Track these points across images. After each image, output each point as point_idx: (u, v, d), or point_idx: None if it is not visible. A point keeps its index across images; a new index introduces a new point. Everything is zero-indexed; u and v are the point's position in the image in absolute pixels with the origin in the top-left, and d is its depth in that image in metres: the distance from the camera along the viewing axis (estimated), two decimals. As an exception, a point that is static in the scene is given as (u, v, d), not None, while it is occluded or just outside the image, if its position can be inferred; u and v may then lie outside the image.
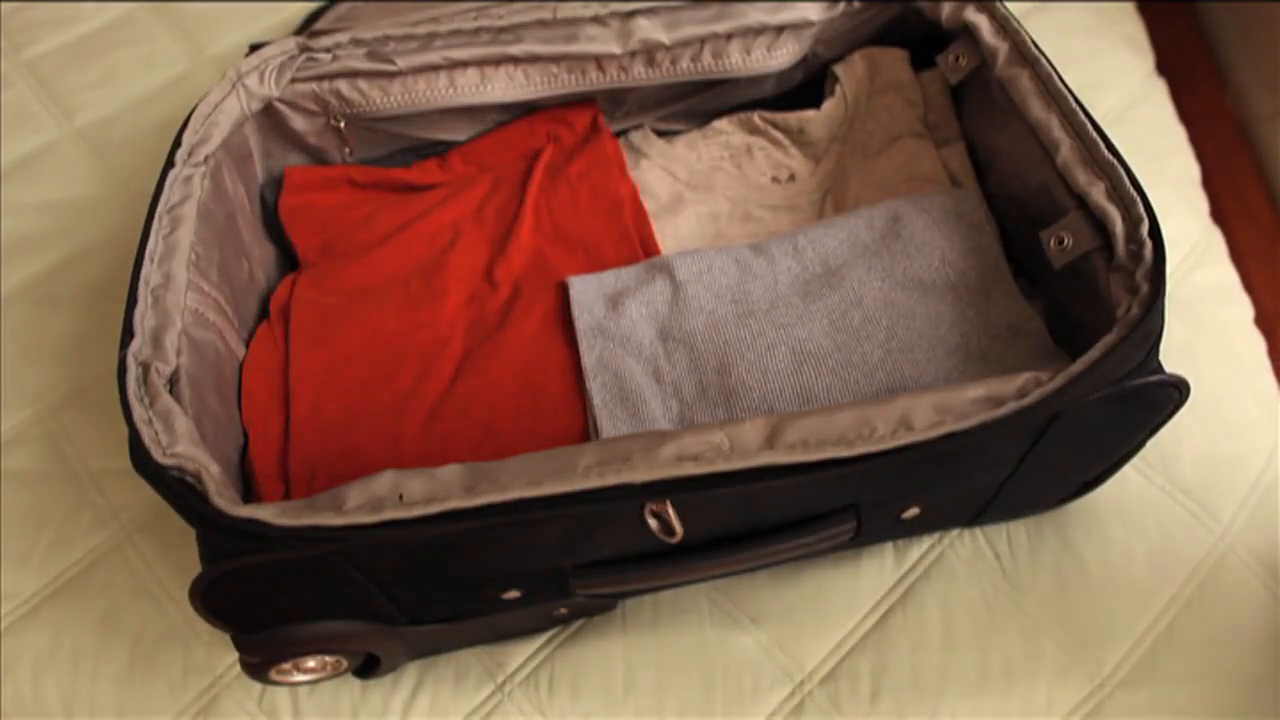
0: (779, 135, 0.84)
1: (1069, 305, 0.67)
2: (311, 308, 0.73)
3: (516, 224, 0.77)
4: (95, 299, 0.88)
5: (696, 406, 0.68)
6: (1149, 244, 0.60)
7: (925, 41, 0.82)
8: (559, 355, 0.71)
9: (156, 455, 0.54)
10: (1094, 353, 0.56)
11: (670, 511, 0.55)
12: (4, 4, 1.08)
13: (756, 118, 0.85)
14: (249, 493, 0.66)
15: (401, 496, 0.53)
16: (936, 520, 0.71)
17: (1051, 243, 0.67)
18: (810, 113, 0.84)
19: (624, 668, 0.71)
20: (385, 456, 0.66)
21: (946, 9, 0.77)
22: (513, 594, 0.62)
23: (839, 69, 0.84)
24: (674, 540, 0.57)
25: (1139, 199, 0.62)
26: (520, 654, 0.72)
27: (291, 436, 0.67)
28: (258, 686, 0.71)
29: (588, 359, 0.69)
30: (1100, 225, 0.63)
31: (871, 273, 0.71)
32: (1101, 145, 0.65)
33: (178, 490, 0.54)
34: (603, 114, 0.83)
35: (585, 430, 0.68)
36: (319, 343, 0.71)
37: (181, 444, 0.55)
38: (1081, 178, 0.65)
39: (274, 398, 0.69)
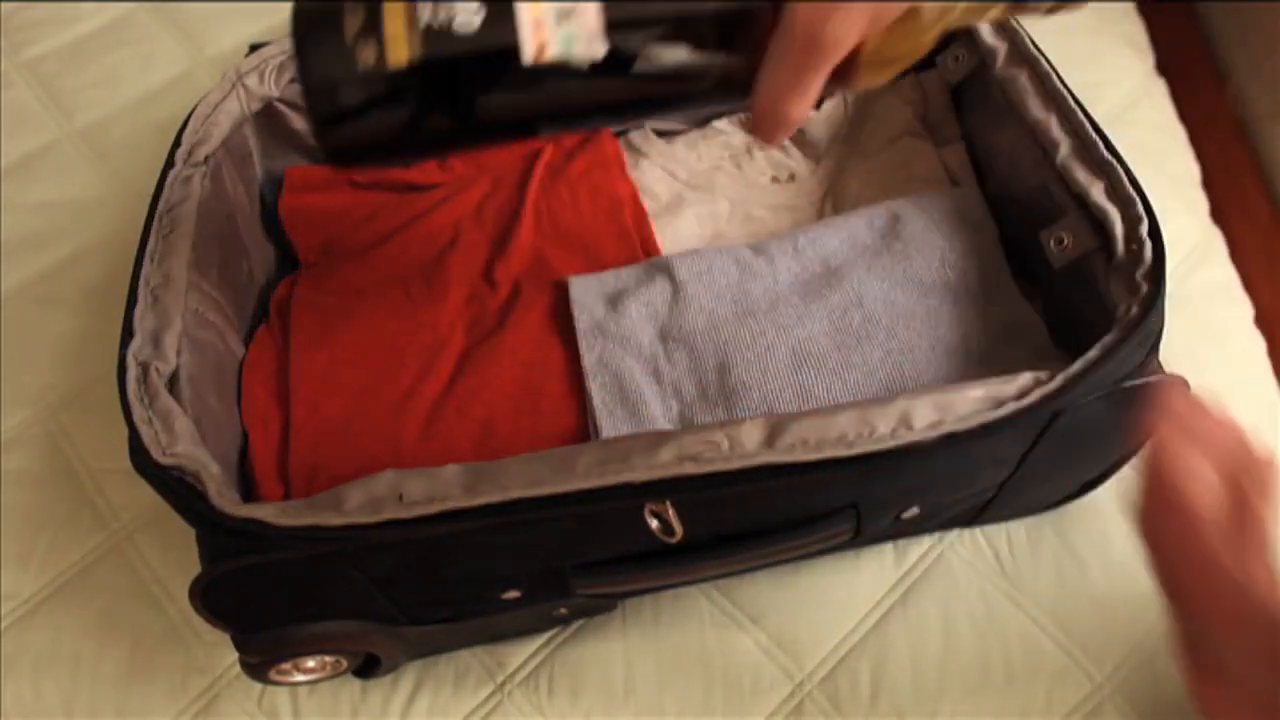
0: (778, 133, 0.84)
1: (1069, 305, 0.67)
2: (311, 308, 0.73)
3: (516, 224, 0.77)
4: (95, 299, 0.88)
5: (696, 406, 0.68)
6: (1149, 243, 0.60)
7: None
8: (559, 355, 0.71)
9: (156, 455, 0.54)
10: (1094, 353, 0.56)
11: (670, 511, 0.55)
12: (4, 4, 1.08)
13: (756, 117, 0.84)
14: (249, 493, 0.66)
15: (401, 496, 0.53)
16: (937, 520, 0.71)
17: (1051, 243, 0.67)
18: (810, 113, 0.84)
19: (624, 668, 0.71)
20: (385, 456, 0.66)
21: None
22: (513, 594, 0.62)
23: None
24: (674, 540, 0.57)
25: (1138, 198, 0.62)
26: (520, 654, 0.72)
27: (291, 437, 0.67)
28: (257, 687, 0.71)
29: (587, 359, 0.69)
30: (1100, 225, 0.63)
31: (871, 273, 0.71)
32: (1100, 145, 0.65)
33: (178, 490, 0.54)
34: None
35: (585, 430, 0.68)
36: (319, 343, 0.71)
37: (181, 444, 0.55)
38: (1081, 177, 0.65)
39: (274, 398, 0.69)
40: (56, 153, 0.98)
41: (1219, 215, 0.93)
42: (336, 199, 0.79)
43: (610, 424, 0.67)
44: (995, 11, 0.48)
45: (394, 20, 0.42)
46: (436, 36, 0.42)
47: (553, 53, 0.42)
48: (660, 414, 0.67)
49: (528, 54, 0.42)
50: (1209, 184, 0.95)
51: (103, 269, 0.90)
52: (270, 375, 0.70)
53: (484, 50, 0.42)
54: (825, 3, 0.43)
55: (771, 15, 0.44)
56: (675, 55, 0.45)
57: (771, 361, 0.68)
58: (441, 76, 0.43)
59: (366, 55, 0.42)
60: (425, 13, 0.42)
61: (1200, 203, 0.93)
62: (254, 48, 0.76)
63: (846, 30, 0.43)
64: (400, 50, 0.42)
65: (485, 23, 0.42)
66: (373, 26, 0.42)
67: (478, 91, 0.44)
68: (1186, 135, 0.98)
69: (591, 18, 0.42)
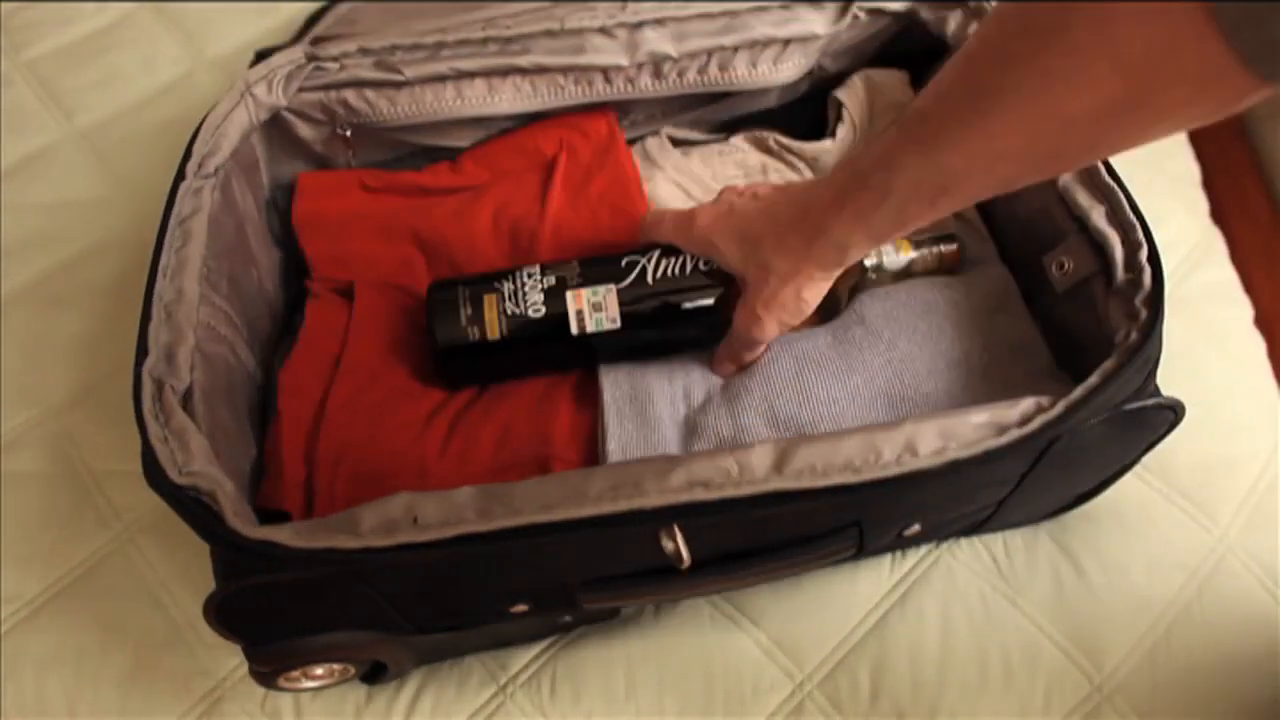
0: (793, 159, 0.84)
1: (1071, 326, 0.68)
2: (376, 301, 0.75)
3: (535, 242, 0.77)
4: (96, 300, 0.88)
5: (701, 407, 0.69)
6: (1148, 269, 0.60)
7: (929, 56, 0.81)
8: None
9: (172, 475, 0.54)
10: (1094, 379, 0.57)
11: (678, 535, 0.55)
12: (4, 4, 1.08)
13: (772, 140, 0.84)
14: (265, 481, 0.67)
15: (416, 519, 0.53)
16: (937, 534, 0.72)
17: (1054, 268, 0.67)
18: (827, 143, 0.83)
19: (625, 669, 0.72)
20: (409, 450, 0.68)
21: (951, 23, 0.77)
22: (520, 608, 0.63)
23: (841, 94, 0.84)
24: (683, 566, 0.57)
25: (1138, 224, 0.62)
26: (522, 656, 0.73)
27: (325, 418, 0.68)
28: (261, 689, 0.71)
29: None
30: (1100, 249, 0.64)
31: (874, 295, 0.72)
32: (1102, 169, 0.66)
33: (194, 510, 0.54)
34: (618, 121, 0.83)
35: (593, 428, 0.70)
36: (375, 339, 0.73)
37: (197, 462, 0.55)
38: (1082, 200, 0.65)
39: (317, 376, 0.71)
40: (57, 153, 0.98)
41: (1219, 215, 0.93)
42: (350, 204, 0.79)
43: (617, 421, 0.68)
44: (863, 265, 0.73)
45: (490, 310, 0.69)
46: (518, 319, 0.68)
47: (590, 327, 0.69)
48: (666, 415, 0.68)
49: (574, 330, 0.69)
50: (1209, 184, 0.95)
51: (104, 270, 0.90)
52: (321, 353, 0.72)
53: (547, 327, 0.69)
54: (750, 318, 0.66)
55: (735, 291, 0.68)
56: (669, 321, 0.70)
57: (775, 367, 0.69)
58: (523, 340, 0.69)
59: (474, 332, 0.68)
60: (510, 305, 0.68)
61: (1200, 203, 0.94)
62: (260, 54, 0.75)
63: (766, 334, 0.67)
64: (495, 330, 0.68)
65: (547, 309, 0.68)
66: (477, 314, 0.69)
67: (546, 347, 0.70)
68: (1186, 135, 0.98)
69: (613, 307, 0.68)
